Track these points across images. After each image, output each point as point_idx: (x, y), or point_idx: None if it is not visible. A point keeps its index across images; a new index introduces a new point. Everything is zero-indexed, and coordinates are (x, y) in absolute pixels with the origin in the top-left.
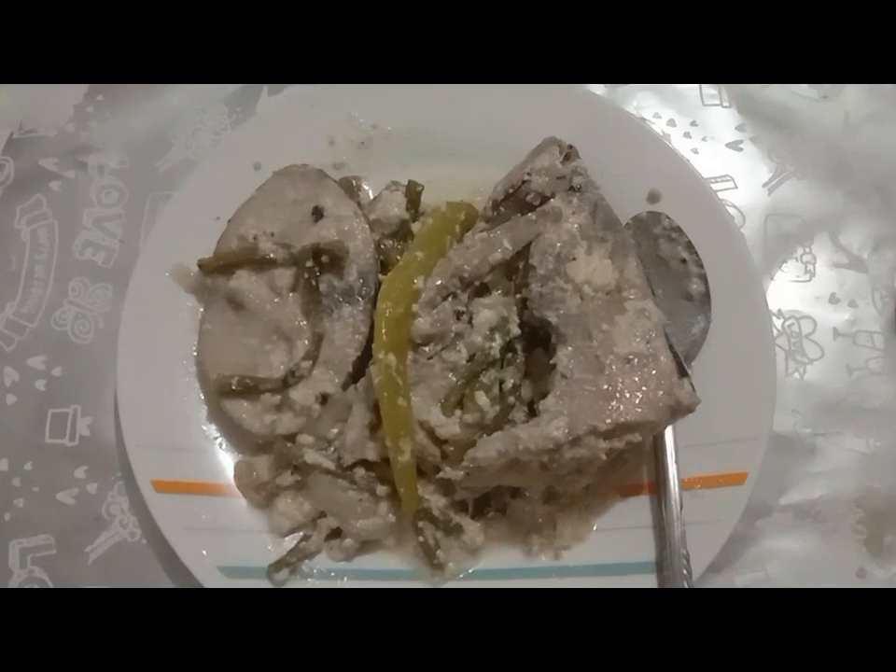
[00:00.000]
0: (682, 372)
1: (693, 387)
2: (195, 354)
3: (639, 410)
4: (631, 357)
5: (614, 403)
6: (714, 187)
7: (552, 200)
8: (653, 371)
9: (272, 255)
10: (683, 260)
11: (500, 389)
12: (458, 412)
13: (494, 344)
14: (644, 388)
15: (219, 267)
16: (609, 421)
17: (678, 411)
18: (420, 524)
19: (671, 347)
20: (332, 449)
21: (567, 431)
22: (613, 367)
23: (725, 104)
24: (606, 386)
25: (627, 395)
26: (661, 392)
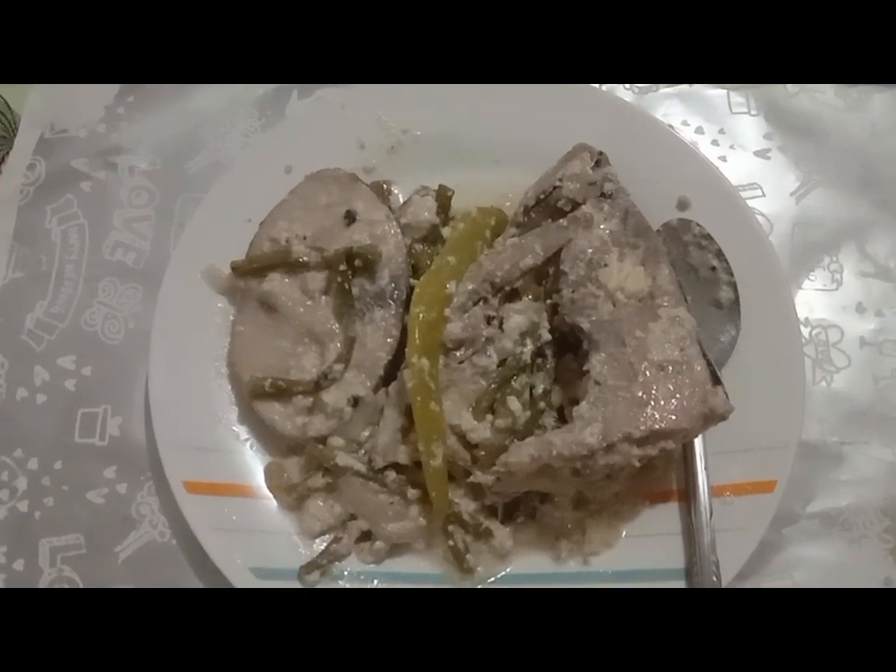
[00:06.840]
0: (716, 380)
1: (726, 395)
2: (227, 355)
3: (673, 417)
4: (665, 364)
5: (648, 410)
6: (742, 195)
7: (582, 206)
8: (687, 379)
9: (304, 258)
10: (713, 268)
11: (531, 394)
12: (489, 416)
13: (524, 349)
14: (678, 396)
15: (252, 269)
16: (643, 428)
17: (711, 419)
18: (450, 527)
19: (704, 355)
20: (363, 452)
21: (601, 438)
22: (647, 374)
23: (753, 112)
24: (640, 393)
25: (661, 402)
26: (695, 400)
